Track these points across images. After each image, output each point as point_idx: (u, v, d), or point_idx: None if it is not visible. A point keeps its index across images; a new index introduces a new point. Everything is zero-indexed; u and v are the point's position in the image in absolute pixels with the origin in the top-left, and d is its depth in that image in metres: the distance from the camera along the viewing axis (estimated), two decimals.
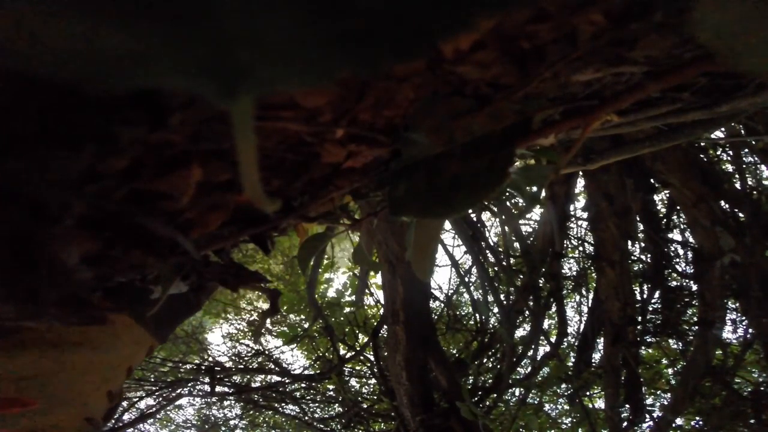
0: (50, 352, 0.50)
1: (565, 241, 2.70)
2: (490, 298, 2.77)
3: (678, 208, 2.40)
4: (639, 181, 2.25)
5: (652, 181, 2.28)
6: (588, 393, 3.10)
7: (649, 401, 2.87)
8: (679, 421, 2.61)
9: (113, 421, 3.01)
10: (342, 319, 3.30)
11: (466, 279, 3.12)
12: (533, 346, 2.82)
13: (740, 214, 2.07)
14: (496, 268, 2.84)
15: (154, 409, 3.20)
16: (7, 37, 0.14)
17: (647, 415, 2.49)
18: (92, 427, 0.53)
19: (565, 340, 2.94)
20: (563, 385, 2.98)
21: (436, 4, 0.14)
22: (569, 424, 3.40)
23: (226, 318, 4.41)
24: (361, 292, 3.47)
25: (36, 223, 0.32)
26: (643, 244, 2.62)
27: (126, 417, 3.26)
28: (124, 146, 0.33)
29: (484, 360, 2.90)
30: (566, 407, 3.42)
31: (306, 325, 3.83)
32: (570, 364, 2.82)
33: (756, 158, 2.29)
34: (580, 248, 2.87)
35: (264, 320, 2.99)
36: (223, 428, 4.21)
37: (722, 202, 2.06)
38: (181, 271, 0.57)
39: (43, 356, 0.49)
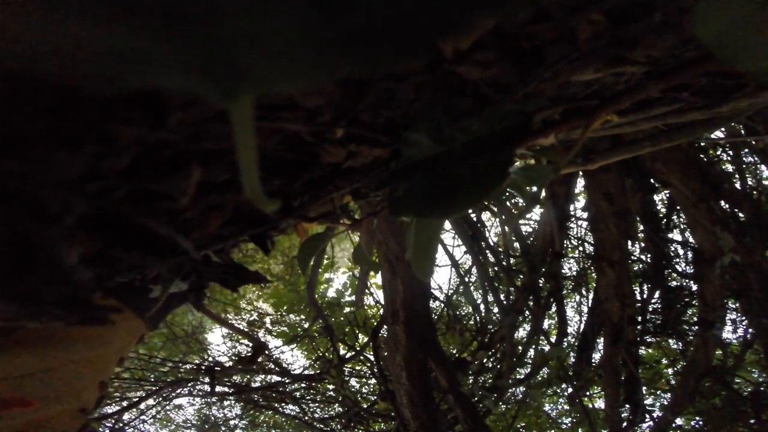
0: (50, 350, 0.50)
1: (565, 241, 2.70)
2: (490, 298, 2.77)
3: (678, 208, 2.39)
4: (639, 181, 2.25)
5: (652, 181, 2.28)
6: (588, 393, 3.10)
7: (649, 401, 2.87)
8: (679, 421, 2.61)
9: (113, 421, 3.01)
10: (342, 319, 3.30)
11: (466, 279, 3.11)
12: (533, 346, 2.82)
13: (740, 214, 2.07)
14: (496, 268, 2.84)
15: (153, 410, 3.20)
16: (8, 37, 0.14)
17: (647, 415, 2.49)
18: (84, 416, 0.54)
19: (565, 340, 2.94)
20: (563, 385, 2.98)
21: (436, 5, 0.14)
22: (569, 424, 3.40)
23: (226, 318, 4.41)
24: (361, 292, 3.47)
25: (36, 223, 0.32)
26: (643, 244, 2.62)
27: (126, 417, 3.26)
28: (123, 146, 0.33)
29: (485, 360, 2.90)
30: (566, 407, 3.42)
31: (306, 325, 3.83)
32: (568, 363, 2.82)
33: (756, 158, 2.29)
34: (580, 248, 2.87)
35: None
36: (223, 428, 4.21)
37: (722, 202, 2.06)
38: (181, 271, 0.57)
39: (42, 354, 0.49)
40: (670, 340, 2.76)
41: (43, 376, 0.48)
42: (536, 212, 2.99)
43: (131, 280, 0.54)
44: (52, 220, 0.33)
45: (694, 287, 2.47)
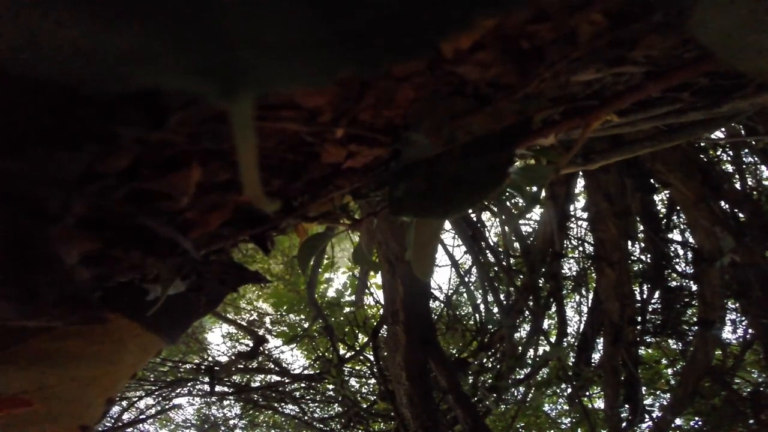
0: (55, 367, 0.49)
1: (565, 241, 2.70)
2: (490, 298, 2.77)
3: (678, 208, 2.39)
4: (639, 181, 2.25)
5: (652, 181, 2.28)
6: (588, 393, 3.10)
7: (649, 401, 2.87)
8: (679, 421, 2.61)
9: (113, 421, 3.01)
10: (342, 319, 3.30)
11: (466, 279, 3.11)
12: (533, 346, 2.82)
13: (740, 214, 2.07)
14: (496, 268, 2.84)
15: (153, 410, 3.20)
16: (9, 38, 0.14)
17: (647, 415, 2.49)
18: None
19: (565, 340, 2.94)
20: (563, 385, 2.98)
21: (436, 5, 0.14)
22: (569, 424, 3.40)
23: (226, 318, 4.41)
24: (361, 292, 3.47)
25: (36, 223, 0.32)
26: (643, 244, 2.62)
27: (126, 417, 3.26)
28: (124, 146, 0.33)
29: (484, 360, 2.90)
30: (566, 407, 3.42)
31: (306, 325, 3.83)
32: (569, 363, 2.82)
33: (756, 158, 2.29)
34: (580, 248, 2.87)
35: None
36: (223, 428, 4.21)
37: (722, 202, 2.06)
38: (181, 271, 0.57)
39: (47, 370, 0.48)
40: (670, 340, 2.76)
41: (39, 393, 0.48)
42: (536, 212, 2.99)
43: (131, 280, 0.54)
44: (52, 220, 0.33)
45: (694, 287, 2.47)
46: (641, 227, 2.49)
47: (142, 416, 3.28)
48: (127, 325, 0.58)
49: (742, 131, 1.91)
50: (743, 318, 2.39)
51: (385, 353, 2.16)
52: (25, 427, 0.46)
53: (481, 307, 2.90)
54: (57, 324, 0.41)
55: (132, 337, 0.58)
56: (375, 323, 2.61)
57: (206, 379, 3.15)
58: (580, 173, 2.37)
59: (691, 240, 2.42)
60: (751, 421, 2.25)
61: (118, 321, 0.56)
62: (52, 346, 0.49)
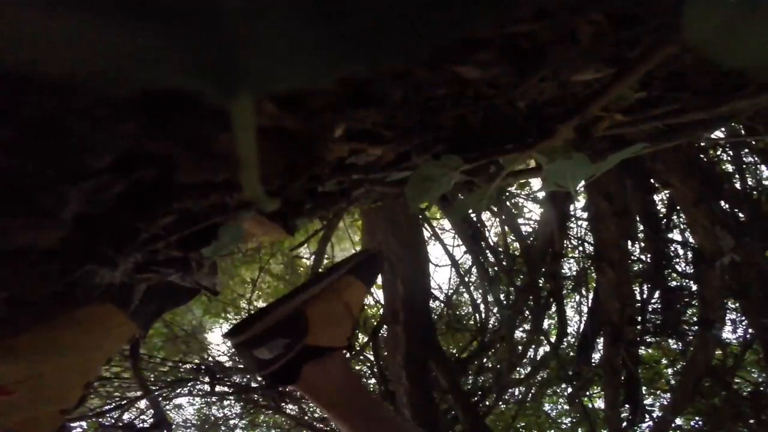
0: (46, 356, 0.49)
1: (565, 241, 2.70)
2: (490, 298, 2.78)
3: (678, 208, 2.39)
4: (639, 181, 2.25)
5: (652, 181, 2.28)
6: (588, 393, 3.10)
7: (649, 401, 2.87)
8: (679, 421, 2.61)
9: (113, 421, 3.01)
10: None
11: (466, 279, 3.11)
12: (533, 346, 2.82)
13: (740, 214, 2.06)
14: (496, 268, 2.84)
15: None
16: (8, 39, 0.14)
17: (647, 415, 2.49)
18: (63, 417, 0.53)
19: (565, 340, 2.94)
20: (563, 385, 2.98)
21: (437, 6, 0.14)
22: (569, 424, 3.40)
23: (225, 318, 4.41)
24: None
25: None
26: (643, 244, 2.62)
27: (126, 417, 3.26)
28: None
29: (484, 360, 2.90)
30: (566, 407, 3.42)
31: None
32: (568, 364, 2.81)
33: (756, 158, 2.29)
34: (580, 248, 2.87)
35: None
36: (223, 428, 4.20)
37: (722, 202, 2.06)
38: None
39: (39, 360, 0.49)
40: (670, 340, 2.76)
41: (32, 382, 0.48)
42: (536, 212, 2.99)
43: (125, 282, 0.54)
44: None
45: (694, 287, 2.47)
46: (641, 227, 2.48)
47: (143, 416, 3.28)
48: (116, 314, 0.58)
49: (742, 131, 1.91)
50: (743, 318, 2.39)
51: (385, 353, 2.16)
52: (9, 413, 0.46)
53: (482, 307, 2.90)
54: (51, 329, 0.41)
55: (116, 325, 0.59)
56: (375, 323, 2.61)
57: (207, 379, 3.15)
58: None
59: (691, 240, 2.41)
60: (752, 421, 2.25)
61: (108, 310, 0.57)
62: (47, 336, 0.50)
